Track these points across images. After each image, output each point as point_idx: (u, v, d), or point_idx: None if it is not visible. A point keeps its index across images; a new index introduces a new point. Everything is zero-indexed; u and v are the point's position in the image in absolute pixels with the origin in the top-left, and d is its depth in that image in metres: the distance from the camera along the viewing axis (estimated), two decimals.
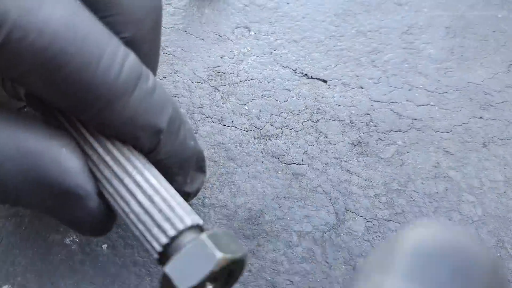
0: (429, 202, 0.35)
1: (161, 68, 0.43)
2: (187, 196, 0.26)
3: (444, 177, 0.36)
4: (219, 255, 0.20)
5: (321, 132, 0.39)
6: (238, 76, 0.43)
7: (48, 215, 0.23)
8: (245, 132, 0.38)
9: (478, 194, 0.35)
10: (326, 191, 0.35)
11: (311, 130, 0.39)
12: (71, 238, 0.31)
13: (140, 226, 0.21)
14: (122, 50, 0.20)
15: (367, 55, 0.45)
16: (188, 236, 0.21)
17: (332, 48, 0.46)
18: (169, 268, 0.20)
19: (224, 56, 0.44)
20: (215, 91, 0.42)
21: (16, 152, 0.20)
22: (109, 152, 0.22)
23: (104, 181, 0.22)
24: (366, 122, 0.40)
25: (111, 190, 0.22)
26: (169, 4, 0.50)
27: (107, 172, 0.22)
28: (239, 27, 0.47)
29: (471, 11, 0.50)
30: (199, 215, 0.33)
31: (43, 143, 0.21)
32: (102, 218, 0.23)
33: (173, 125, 0.23)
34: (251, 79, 0.42)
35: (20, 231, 0.31)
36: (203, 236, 0.21)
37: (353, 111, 0.40)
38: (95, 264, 0.30)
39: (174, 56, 0.44)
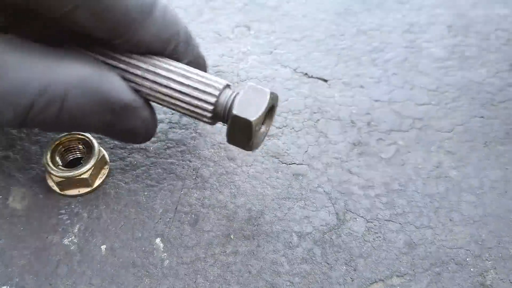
0: (430, 202, 0.35)
1: None
2: None
3: (445, 177, 0.36)
4: (268, 91, 0.27)
5: (321, 132, 0.38)
6: (238, 75, 0.42)
7: (105, 133, 0.28)
8: None
9: (479, 194, 0.35)
10: (326, 191, 0.35)
11: (311, 130, 0.39)
12: (70, 238, 0.31)
13: (187, 99, 0.28)
14: None
15: (368, 54, 0.45)
16: (227, 92, 0.28)
17: (333, 47, 0.45)
18: (236, 110, 0.27)
19: (223, 55, 0.44)
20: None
21: (78, 80, 0.24)
22: (139, 60, 0.28)
23: (146, 83, 0.28)
24: (367, 122, 0.39)
25: (154, 86, 0.28)
26: (169, 3, 0.49)
27: (147, 75, 0.28)
28: (239, 26, 0.47)
29: (473, 9, 0.50)
30: (198, 215, 0.33)
31: (97, 69, 0.26)
32: (153, 123, 0.30)
33: (185, 35, 0.29)
34: (251, 78, 0.42)
35: (17, 232, 0.31)
36: (249, 83, 0.28)
37: (353, 111, 0.40)
38: (94, 265, 0.30)
39: None
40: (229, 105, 0.28)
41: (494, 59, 0.45)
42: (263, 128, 0.30)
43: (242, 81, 0.42)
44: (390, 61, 0.44)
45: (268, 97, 0.27)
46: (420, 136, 0.39)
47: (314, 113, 0.40)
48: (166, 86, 0.28)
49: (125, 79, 0.28)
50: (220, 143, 0.37)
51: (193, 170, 0.35)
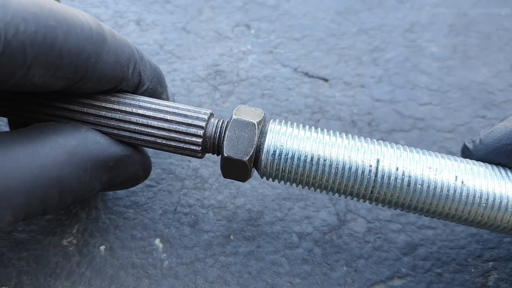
0: None
1: (160, 67, 0.43)
2: None
3: None
4: (255, 121, 0.26)
5: None
6: (238, 75, 0.42)
7: (107, 189, 0.28)
8: None
9: None
10: None
11: None
12: (69, 239, 0.31)
13: (172, 135, 0.26)
14: (83, 13, 0.24)
15: (369, 53, 0.45)
16: (212, 121, 0.27)
17: (333, 46, 0.45)
18: (228, 151, 0.26)
19: (223, 54, 0.44)
20: (214, 90, 0.41)
21: (69, 155, 0.23)
22: (108, 104, 0.26)
23: (122, 132, 0.26)
24: (368, 122, 0.39)
25: (133, 135, 0.26)
26: (168, 2, 0.49)
27: (122, 124, 0.26)
28: (239, 25, 0.47)
29: (474, 8, 0.50)
30: (198, 216, 0.33)
31: (77, 134, 0.24)
32: (148, 161, 0.29)
33: (138, 53, 0.27)
34: (251, 78, 0.42)
35: (16, 233, 0.31)
36: (234, 116, 0.26)
37: (354, 111, 0.40)
38: (93, 266, 0.30)
39: (173, 54, 0.44)
40: (217, 137, 0.27)
41: (496, 59, 0.45)
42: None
43: (242, 80, 0.42)
44: (391, 61, 0.44)
45: (256, 129, 0.26)
46: (422, 136, 0.38)
47: (315, 113, 0.40)
48: (147, 126, 0.26)
49: (102, 131, 0.26)
50: None
51: (193, 171, 0.35)
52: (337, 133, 0.27)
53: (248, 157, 0.26)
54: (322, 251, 0.32)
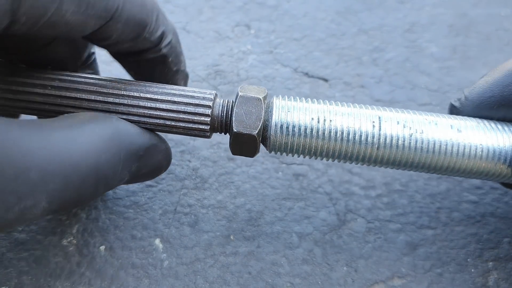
0: (431, 202, 0.34)
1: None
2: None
3: (446, 177, 0.36)
4: (260, 96, 0.27)
5: None
6: (238, 75, 0.42)
7: (131, 181, 0.27)
8: None
9: (480, 194, 0.35)
10: (327, 191, 0.35)
11: None
12: (68, 239, 0.31)
13: (181, 116, 0.27)
14: None
15: (369, 53, 0.45)
16: (218, 101, 0.28)
17: (333, 46, 0.45)
18: (237, 127, 0.26)
19: (223, 54, 0.44)
20: (214, 90, 0.41)
21: (105, 144, 0.23)
22: (116, 96, 0.26)
23: (131, 117, 0.26)
24: None
25: (142, 119, 0.26)
26: (168, 2, 0.49)
27: (130, 109, 0.26)
28: (239, 25, 0.47)
29: (474, 9, 0.50)
30: (198, 216, 0.33)
31: (113, 125, 0.24)
32: (170, 151, 0.29)
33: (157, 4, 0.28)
34: (251, 78, 0.42)
35: (16, 233, 0.31)
36: (240, 92, 0.27)
37: None
38: (93, 266, 0.30)
39: None
40: (224, 115, 0.27)
41: (496, 59, 0.45)
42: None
43: (242, 80, 0.42)
44: (391, 61, 0.44)
45: (262, 103, 0.27)
46: None
47: None
48: (156, 109, 0.26)
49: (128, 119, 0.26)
50: (220, 143, 0.37)
51: (193, 171, 0.35)
52: (338, 102, 0.29)
53: (256, 131, 0.26)
54: (322, 251, 0.32)
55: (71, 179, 0.20)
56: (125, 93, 0.26)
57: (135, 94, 0.26)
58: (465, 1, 0.50)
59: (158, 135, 0.28)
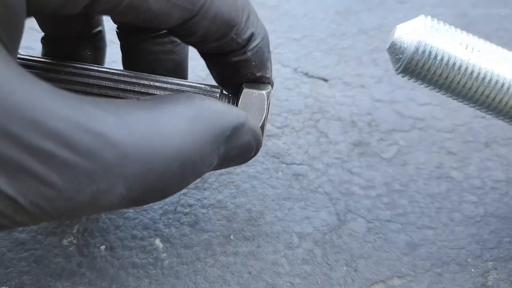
0: (431, 202, 0.34)
1: None
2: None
3: (446, 177, 0.36)
4: (265, 91, 0.27)
5: (322, 132, 0.38)
6: None
7: (222, 164, 0.24)
8: None
9: (480, 194, 0.35)
10: (327, 191, 0.35)
11: (312, 130, 0.38)
12: (69, 239, 0.31)
13: None
14: None
15: (369, 54, 0.45)
16: (224, 98, 0.28)
17: (333, 46, 0.45)
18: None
19: None
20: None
21: (188, 125, 0.20)
22: (127, 83, 0.27)
23: None
24: (368, 122, 0.39)
25: None
26: None
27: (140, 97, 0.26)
28: None
29: (474, 9, 0.50)
30: (198, 216, 0.33)
31: (196, 105, 0.21)
32: (259, 130, 0.26)
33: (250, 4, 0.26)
34: None
35: (16, 234, 0.31)
36: (245, 88, 0.27)
37: (354, 111, 0.40)
38: (93, 266, 0.30)
39: None
40: None
41: None
42: (264, 129, 0.30)
43: None
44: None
45: (266, 99, 0.27)
46: (422, 136, 0.39)
47: (315, 113, 0.40)
48: None
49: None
50: None
51: None
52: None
53: (260, 124, 0.26)
54: (322, 251, 0.32)
55: (152, 164, 0.18)
56: (135, 81, 0.26)
57: (145, 82, 0.27)
58: (464, 1, 0.50)
59: (243, 112, 0.25)
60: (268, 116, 0.38)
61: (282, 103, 0.40)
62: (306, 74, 0.43)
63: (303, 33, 0.46)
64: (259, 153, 0.36)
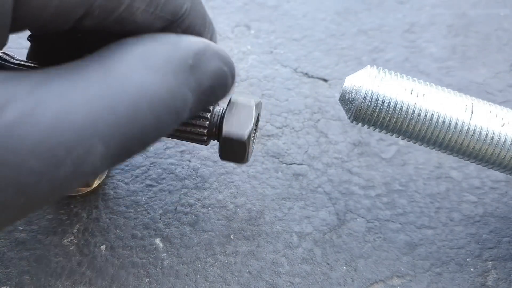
0: (431, 202, 0.35)
1: None
2: None
3: (446, 177, 0.36)
4: (253, 103, 0.26)
5: (321, 132, 0.38)
6: (237, 75, 0.42)
7: (203, 101, 0.23)
8: None
9: (479, 194, 0.35)
10: (326, 191, 0.35)
11: (311, 130, 0.38)
12: (69, 239, 0.31)
13: (182, 129, 0.27)
14: None
15: (368, 54, 0.45)
16: (216, 109, 0.27)
17: (333, 47, 0.45)
18: (226, 131, 0.26)
19: None
20: None
21: (143, 60, 0.19)
22: None
23: None
24: None
25: None
26: None
27: None
28: (239, 25, 0.47)
29: (474, 9, 0.50)
30: (198, 215, 0.33)
31: (147, 39, 0.21)
32: (227, 54, 0.24)
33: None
34: (251, 78, 0.42)
35: (16, 233, 0.31)
36: (233, 96, 0.27)
37: None
38: (93, 266, 0.30)
39: None
40: (218, 122, 0.27)
41: (495, 59, 0.45)
42: (252, 138, 0.30)
43: (242, 81, 0.42)
44: (390, 61, 0.44)
45: (254, 110, 0.26)
46: None
47: (315, 113, 0.40)
48: None
49: None
50: None
51: (193, 170, 0.35)
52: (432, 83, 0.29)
53: (246, 136, 0.26)
54: (322, 251, 0.32)
55: (120, 112, 0.17)
56: None
57: None
58: (464, 1, 0.50)
59: (203, 38, 0.24)
60: (269, 118, 0.39)
61: (282, 103, 0.40)
62: (306, 74, 0.43)
63: (303, 33, 0.46)
64: (259, 153, 0.36)
